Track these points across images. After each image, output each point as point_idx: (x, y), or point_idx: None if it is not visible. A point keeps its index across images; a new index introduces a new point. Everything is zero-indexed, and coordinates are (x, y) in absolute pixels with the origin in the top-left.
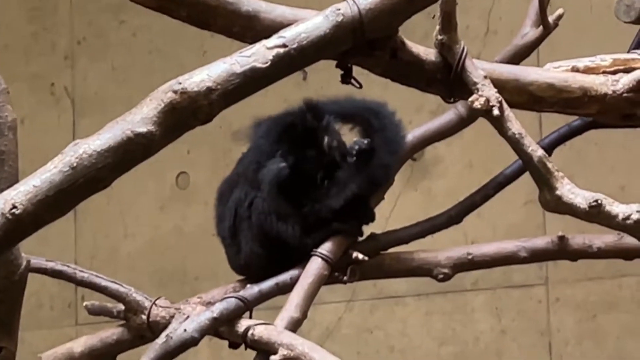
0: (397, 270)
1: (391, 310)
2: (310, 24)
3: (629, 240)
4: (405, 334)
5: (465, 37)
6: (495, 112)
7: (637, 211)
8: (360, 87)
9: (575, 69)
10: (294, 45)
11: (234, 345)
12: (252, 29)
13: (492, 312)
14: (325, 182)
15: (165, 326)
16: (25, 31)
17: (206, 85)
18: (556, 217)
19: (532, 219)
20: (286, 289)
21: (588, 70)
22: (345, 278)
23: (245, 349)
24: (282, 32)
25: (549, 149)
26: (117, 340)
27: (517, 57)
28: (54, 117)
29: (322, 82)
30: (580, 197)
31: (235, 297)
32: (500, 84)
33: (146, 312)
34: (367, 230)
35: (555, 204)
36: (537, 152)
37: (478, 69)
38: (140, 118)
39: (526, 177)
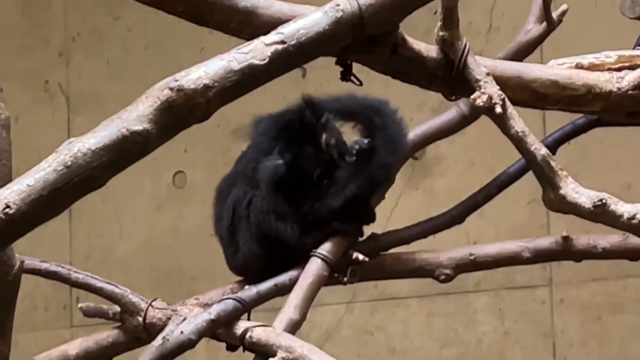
0: (398, 271)
1: (392, 312)
2: (309, 20)
3: (635, 240)
4: (407, 335)
5: (468, 33)
6: (498, 109)
7: None
8: (361, 84)
9: (579, 66)
10: (293, 42)
11: (231, 348)
12: (250, 25)
13: (495, 314)
14: (325, 181)
15: (161, 328)
16: (19, 27)
17: (203, 82)
18: (560, 217)
19: (536, 218)
20: (285, 290)
21: (592, 67)
22: (345, 279)
23: (244, 351)
24: (280, 29)
25: (553, 147)
26: (113, 343)
27: (520, 53)
28: (48, 115)
29: (322, 79)
30: (584, 197)
31: (233, 299)
32: (503, 81)
33: (142, 314)
34: (368, 230)
35: (559, 204)
36: (541, 150)
37: (480, 66)
38: (136, 116)
39: (529, 176)
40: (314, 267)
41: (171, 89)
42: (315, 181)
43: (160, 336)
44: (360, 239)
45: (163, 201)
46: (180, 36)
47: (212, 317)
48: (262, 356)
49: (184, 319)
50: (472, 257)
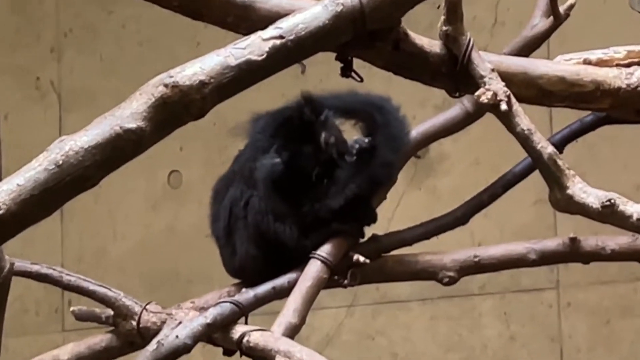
0: (400, 273)
1: (394, 316)
2: (309, 14)
3: None
4: (409, 340)
5: (472, 28)
6: (503, 106)
7: None
8: (361, 80)
9: (587, 62)
10: (292, 37)
11: (228, 353)
12: (247, 20)
13: (501, 318)
14: (325, 180)
15: (156, 332)
16: (9, 22)
17: (199, 78)
18: (567, 218)
19: (542, 219)
20: (283, 293)
21: (601, 63)
22: (345, 282)
23: (241, 356)
24: (278, 23)
25: (560, 145)
26: (106, 347)
27: (526, 49)
28: (39, 112)
29: (321, 75)
30: (592, 197)
31: (230, 302)
32: (508, 77)
33: (136, 318)
34: (369, 231)
35: (566, 204)
36: (547, 149)
37: (485, 62)
38: (129, 113)
39: (536, 175)
40: (314, 269)
41: (166, 86)
42: (314, 181)
43: (154, 341)
44: (361, 241)
45: (158, 201)
46: (175, 31)
47: (208, 321)
48: None
49: (179, 322)
50: (476, 259)
